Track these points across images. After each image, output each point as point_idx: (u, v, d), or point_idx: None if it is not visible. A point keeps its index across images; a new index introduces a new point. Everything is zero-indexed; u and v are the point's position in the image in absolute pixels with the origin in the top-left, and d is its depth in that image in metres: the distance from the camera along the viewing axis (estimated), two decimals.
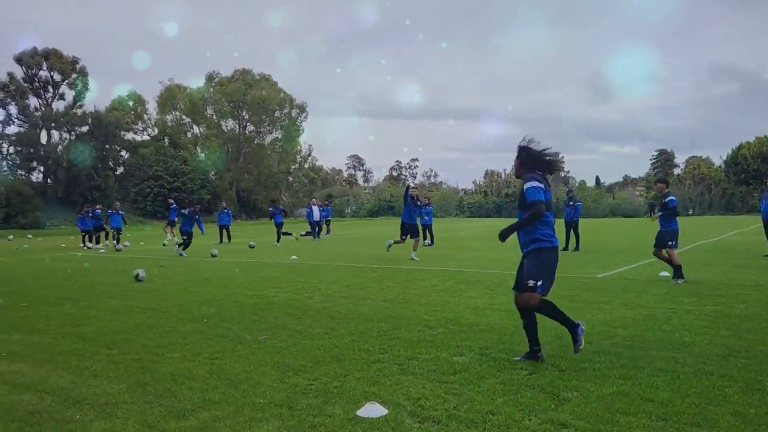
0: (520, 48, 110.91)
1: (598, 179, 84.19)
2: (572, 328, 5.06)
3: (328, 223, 28.74)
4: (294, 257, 15.97)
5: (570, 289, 9.08)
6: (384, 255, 16.16)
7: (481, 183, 74.00)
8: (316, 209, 25.91)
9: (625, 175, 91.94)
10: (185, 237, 18.22)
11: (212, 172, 58.63)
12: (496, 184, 70.49)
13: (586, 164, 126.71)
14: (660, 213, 10.09)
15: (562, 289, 8.96)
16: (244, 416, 3.98)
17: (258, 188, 61.37)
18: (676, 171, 78.35)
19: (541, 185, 5.07)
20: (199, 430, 3.77)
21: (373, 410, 3.96)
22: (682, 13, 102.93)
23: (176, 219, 23.17)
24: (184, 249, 17.93)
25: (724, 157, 63.79)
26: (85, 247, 22.50)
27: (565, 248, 16.35)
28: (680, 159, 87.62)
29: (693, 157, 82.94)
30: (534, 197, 5.00)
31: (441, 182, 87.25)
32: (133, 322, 7.34)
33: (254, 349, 5.79)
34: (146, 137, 60.47)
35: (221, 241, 23.72)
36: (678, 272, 9.76)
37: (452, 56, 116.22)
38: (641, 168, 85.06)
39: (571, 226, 16.91)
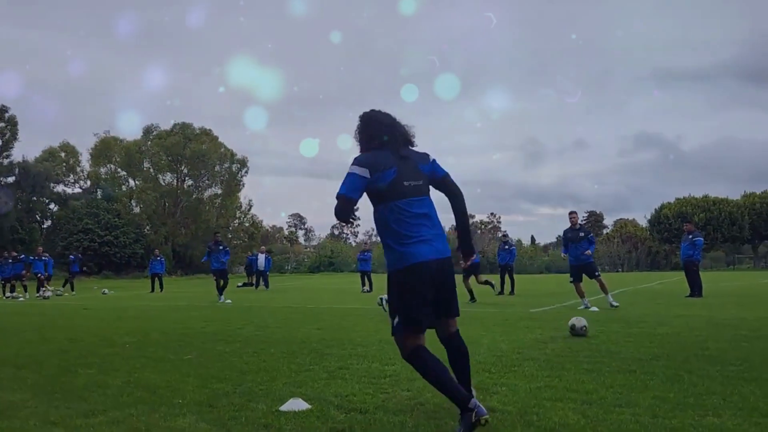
0: (462, 113, 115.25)
1: (533, 238, 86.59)
2: (462, 401, 3.16)
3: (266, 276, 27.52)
4: (229, 301, 15.49)
5: (505, 319, 9.18)
6: (322, 297, 15.91)
7: None
8: (261, 257, 25.01)
9: (558, 235, 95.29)
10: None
11: (147, 227, 56.93)
12: None
13: (522, 225, 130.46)
14: (566, 251, 11.91)
15: (498, 320, 9.06)
16: (160, 413, 3.75)
17: (195, 243, 59.70)
18: (605, 231, 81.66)
19: (364, 168, 3.32)
20: (109, 424, 3.52)
21: (297, 404, 3.81)
22: (609, 86, 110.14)
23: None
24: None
25: (648, 217, 67.13)
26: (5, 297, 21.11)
27: (500, 292, 16.57)
28: (609, 220, 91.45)
29: (620, 219, 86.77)
30: (340, 191, 3.36)
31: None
32: (47, 348, 6.87)
33: (177, 365, 5.52)
34: (78, 190, 58.45)
35: (153, 290, 22.79)
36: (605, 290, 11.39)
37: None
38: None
39: (507, 269, 17.21)
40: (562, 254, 13.00)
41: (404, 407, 3.78)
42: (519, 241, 79.37)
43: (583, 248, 11.39)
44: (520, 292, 17.81)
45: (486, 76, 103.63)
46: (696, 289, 14.22)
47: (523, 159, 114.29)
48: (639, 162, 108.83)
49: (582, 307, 10.98)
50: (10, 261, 21.82)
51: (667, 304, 12.17)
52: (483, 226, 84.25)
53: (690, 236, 14.83)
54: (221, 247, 16.06)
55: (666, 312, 10.25)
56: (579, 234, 11.51)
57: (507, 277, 17.10)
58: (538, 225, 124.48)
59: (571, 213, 11.97)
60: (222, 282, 15.60)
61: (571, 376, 4.63)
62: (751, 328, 7.42)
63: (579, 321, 6.98)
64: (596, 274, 11.45)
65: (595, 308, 10.85)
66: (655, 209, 65.04)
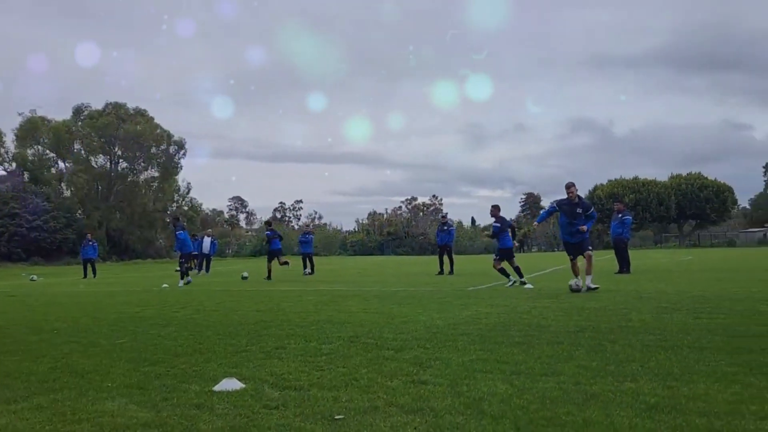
0: (408, 96, 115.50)
1: (473, 220, 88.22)
2: None
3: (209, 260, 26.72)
4: (165, 285, 15.13)
5: (442, 298, 9.36)
6: (261, 281, 15.76)
7: (364, 223, 74.95)
8: (207, 241, 24.37)
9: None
10: None
11: (79, 211, 54.68)
12: (378, 223, 71.71)
13: (463, 207, 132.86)
14: (487, 234, 12.80)
15: (435, 299, 9.23)
16: (89, 397, 3.66)
17: (131, 228, 57.85)
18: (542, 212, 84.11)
19: None
20: (33, 410, 3.41)
21: (230, 384, 3.79)
22: (549, 72, 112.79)
23: None
24: None
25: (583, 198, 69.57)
26: None
27: (440, 272, 16.86)
28: (545, 201, 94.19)
29: (557, 200, 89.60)
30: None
31: (325, 224, 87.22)
32: None
33: (108, 350, 5.38)
34: (2, 172, 55.38)
35: (85, 276, 21.97)
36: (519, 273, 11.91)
37: (341, 102, 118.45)
38: (512, 210, 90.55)
39: (446, 250, 17.51)
40: (535, 224, 13.41)
41: (339, 383, 3.82)
42: (459, 222, 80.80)
43: (579, 224, 9.93)
44: (459, 271, 18.16)
45: (431, 61, 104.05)
46: (624, 265, 14.88)
47: (465, 142, 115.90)
48: (575, 145, 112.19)
49: (573, 283, 10.12)
50: None
51: (597, 281, 12.66)
52: (425, 208, 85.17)
53: (620, 215, 15.47)
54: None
55: None
56: (576, 210, 9.91)
57: (446, 257, 17.38)
58: (477, 207, 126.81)
59: (568, 185, 10.24)
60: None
61: (502, 349, 4.79)
62: (671, 301, 7.84)
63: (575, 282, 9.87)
64: (588, 249, 10.09)
65: (529, 285, 11.21)
66: (589, 191, 67.35)
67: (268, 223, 22.15)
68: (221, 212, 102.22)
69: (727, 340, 4.85)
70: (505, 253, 12.11)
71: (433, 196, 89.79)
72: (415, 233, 65.49)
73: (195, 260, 23.69)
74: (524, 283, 11.54)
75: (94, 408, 3.41)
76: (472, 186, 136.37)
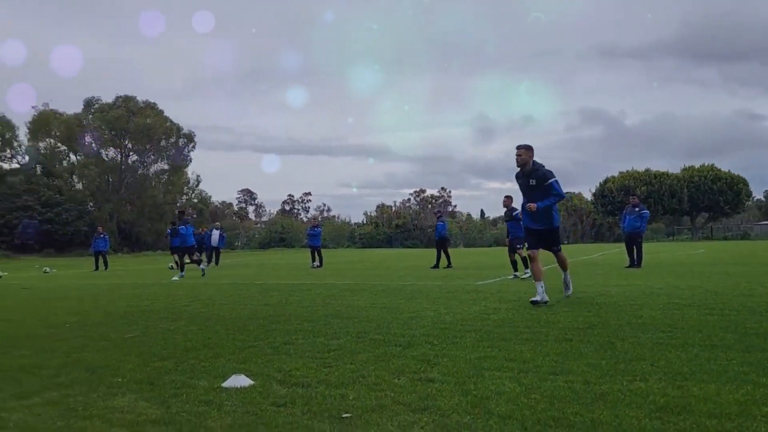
0: (415, 89, 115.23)
1: (482, 212, 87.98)
2: None
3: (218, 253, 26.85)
4: (176, 278, 15.23)
5: (450, 292, 9.35)
6: (269, 274, 15.82)
7: (373, 215, 74.97)
8: (216, 234, 24.46)
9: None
10: None
11: (90, 203, 55.06)
12: (386, 216, 71.71)
13: (472, 199, 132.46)
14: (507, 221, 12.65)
15: (443, 294, 9.22)
16: (99, 393, 3.69)
17: (141, 220, 58.23)
18: None
19: None
20: (44, 405, 3.44)
21: (239, 381, 3.81)
22: (557, 63, 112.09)
23: None
24: None
25: (593, 191, 69.07)
26: None
27: (435, 266, 16.81)
28: None
29: (566, 192, 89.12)
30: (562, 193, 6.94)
31: (334, 216, 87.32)
32: None
33: (119, 344, 5.42)
34: (15, 165, 55.80)
35: (97, 269, 22.15)
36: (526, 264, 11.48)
37: (349, 95, 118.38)
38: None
39: (440, 244, 17.60)
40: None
41: (346, 380, 3.82)
42: (468, 214, 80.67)
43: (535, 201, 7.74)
44: (468, 265, 18.15)
45: (438, 53, 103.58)
46: (637, 259, 14.79)
47: (473, 134, 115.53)
48: (584, 137, 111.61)
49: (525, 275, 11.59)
50: None
51: (607, 275, 12.61)
52: (433, 201, 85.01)
53: (636, 209, 15.34)
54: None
55: (605, 282, 10.62)
56: (529, 182, 7.47)
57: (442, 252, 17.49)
58: (487, 199, 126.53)
59: (517, 148, 7.53)
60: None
61: (511, 346, 4.77)
62: (682, 297, 7.78)
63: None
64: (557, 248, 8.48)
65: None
66: (600, 183, 66.93)
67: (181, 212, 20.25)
68: (230, 204, 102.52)
69: (738, 338, 4.81)
70: (518, 242, 12.24)
71: (442, 188, 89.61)
72: (424, 226, 65.37)
73: (196, 254, 23.95)
74: (517, 277, 11.88)
75: (104, 404, 3.43)
76: (482, 178, 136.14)
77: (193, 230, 18.88)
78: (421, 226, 64.95)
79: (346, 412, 3.16)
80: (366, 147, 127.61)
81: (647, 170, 64.99)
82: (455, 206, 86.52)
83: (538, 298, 7.17)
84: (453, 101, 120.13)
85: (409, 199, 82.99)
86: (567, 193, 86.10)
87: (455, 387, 3.59)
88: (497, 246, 59.83)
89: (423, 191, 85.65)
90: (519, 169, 7.53)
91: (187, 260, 16.55)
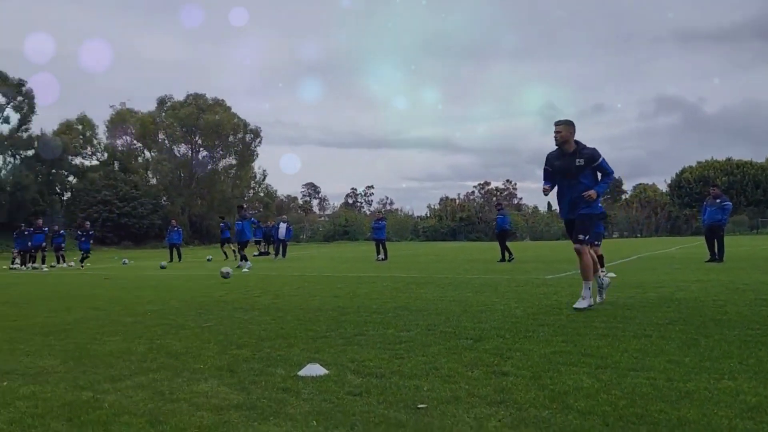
0: (481, 79, 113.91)
1: (549, 205, 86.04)
2: None
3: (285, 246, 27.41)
4: (245, 270, 15.70)
5: (519, 286, 9.21)
6: (336, 266, 16.05)
7: (436, 208, 74.71)
8: (283, 226, 25.06)
9: None
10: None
11: (164, 197, 57.46)
12: (450, 209, 71.31)
13: (538, 192, 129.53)
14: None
15: (512, 287, 9.10)
16: (183, 378, 3.86)
17: (211, 213, 60.28)
18: (624, 196, 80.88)
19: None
20: (134, 388, 3.63)
21: (314, 370, 3.89)
22: (630, 49, 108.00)
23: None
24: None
25: (669, 182, 66.34)
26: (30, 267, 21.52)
27: (502, 260, 16.60)
28: (628, 185, 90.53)
29: (640, 183, 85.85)
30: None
31: (397, 209, 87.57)
32: (72, 318, 7.04)
33: (197, 332, 5.64)
34: (95, 162, 58.93)
35: (171, 260, 23.12)
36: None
37: (411, 87, 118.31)
38: None
39: (503, 236, 17.40)
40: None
41: (419, 372, 3.84)
42: (535, 207, 79.06)
43: (583, 187, 6.69)
44: (536, 258, 17.84)
45: (503, 41, 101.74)
46: (719, 253, 14.10)
47: (540, 124, 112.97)
48: (659, 125, 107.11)
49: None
50: (33, 231, 22.12)
51: (686, 270, 12.10)
52: (498, 193, 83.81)
53: (718, 200, 14.62)
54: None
55: (684, 277, 10.20)
56: (575, 162, 6.50)
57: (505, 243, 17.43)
58: (554, 191, 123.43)
59: (556, 124, 6.64)
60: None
61: (586, 341, 4.66)
62: None
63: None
64: (596, 242, 9.53)
65: (612, 274, 10.82)
66: (676, 173, 64.27)
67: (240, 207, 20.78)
68: (295, 198, 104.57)
69: None
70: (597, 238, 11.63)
71: (507, 180, 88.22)
72: (489, 219, 64.55)
73: (262, 245, 24.83)
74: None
75: (189, 388, 3.58)
76: None
77: (259, 223, 19.95)
78: (485, 219, 64.16)
79: (421, 403, 3.17)
80: (429, 139, 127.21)
81: (728, 159, 61.83)
82: (521, 198, 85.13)
83: (584, 304, 6.32)
84: (520, 90, 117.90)
85: (473, 192, 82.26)
86: (639, 184, 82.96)
87: (531, 381, 3.54)
88: (565, 239, 58.47)
89: (487, 183, 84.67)
90: (556, 149, 6.62)
91: (256, 252, 17.10)
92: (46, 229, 23.11)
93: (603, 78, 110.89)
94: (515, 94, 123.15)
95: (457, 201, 74.14)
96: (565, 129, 6.51)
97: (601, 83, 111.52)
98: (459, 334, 5.12)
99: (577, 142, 6.57)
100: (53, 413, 3.18)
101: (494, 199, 77.82)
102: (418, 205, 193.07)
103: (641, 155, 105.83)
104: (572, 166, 6.50)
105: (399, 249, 32.95)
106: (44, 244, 22.44)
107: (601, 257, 11.50)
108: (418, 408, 3.10)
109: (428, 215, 73.49)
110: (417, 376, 3.73)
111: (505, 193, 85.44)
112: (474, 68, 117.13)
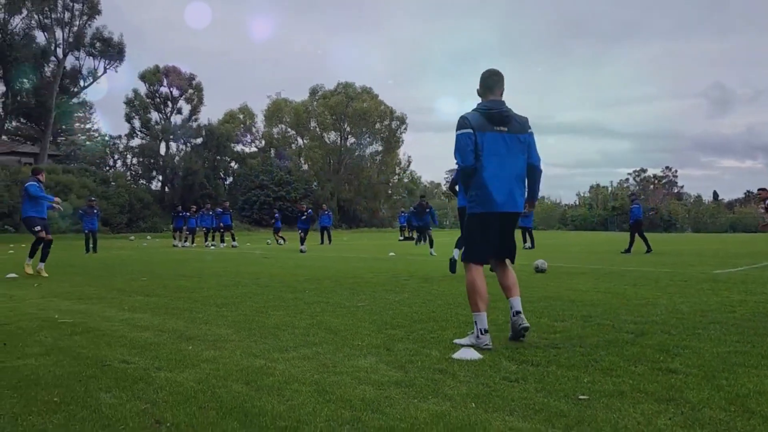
0: (635, 58, 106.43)
1: (715, 194, 78.58)
2: None
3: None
4: (392, 253, 16.14)
5: (682, 280, 8.56)
6: None
7: (586, 196, 71.27)
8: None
9: (747, 191, 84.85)
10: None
11: (315, 183, 60.59)
12: (601, 197, 67.69)
13: (701, 179, 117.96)
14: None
15: (674, 281, 8.48)
16: (344, 353, 4.08)
17: (358, 198, 62.63)
18: None
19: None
20: (300, 359, 3.91)
21: (469, 353, 3.92)
22: None
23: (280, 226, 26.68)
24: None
25: None
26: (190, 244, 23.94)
27: (648, 250, 15.48)
28: None
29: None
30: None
31: (542, 197, 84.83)
32: (240, 291, 7.71)
33: (353, 311, 5.92)
34: (254, 149, 63.55)
35: (322, 242, 24.40)
36: None
37: (558, 70, 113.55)
38: (765, 183, 78.11)
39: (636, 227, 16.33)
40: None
41: (577, 363, 3.73)
42: (698, 196, 72.70)
43: None
44: (701, 252, 16.42)
45: (661, 14, 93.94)
46: None
47: (705, 107, 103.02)
48: None
49: None
50: (210, 213, 24.69)
51: None
52: (656, 181, 77.97)
53: None
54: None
55: None
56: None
57: (636, 235, 16.44)
58: (720, 179, 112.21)
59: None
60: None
61: (766, 341, 4.23)
62: None
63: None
64: None
65: None
66: None
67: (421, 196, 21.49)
68: (438, 184, 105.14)
69: None
70: None
71: (666, 167, 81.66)
72: (646, 208, 60.56)
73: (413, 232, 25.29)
74: None
75: (350, 363, 3.79)
76: (714, 156, 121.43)
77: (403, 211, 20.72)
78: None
79: (582, 394, 3.08)
80: (577, 124, 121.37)
81: None
82: (681, 187, 78.41)
83: None
84: (682, 70, 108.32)
85: (627, 179, 77.21)
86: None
87: (703, 380, 3.29)
88: (734, 232, 53.05)
89: (644, 171, 78.99)
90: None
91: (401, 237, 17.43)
92: (228, 211, 25.37)
93: None
94: (677, 74, 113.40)
95: (610, 189, 70.15)
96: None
97: None
98: (618, 327, 4.88)
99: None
100: (233, 376, 3.53)
101: (652, 187, 72.58)
102: (566, 193, 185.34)
103: None
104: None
105: (546, 238, 31.98)
106: (231, 224, 24.90)
107: None
108: (580, 399, 3.02)
109: (577, 204, 70.44)
110: (575, 367, 3.63)
111: (664, 180, 79.19)
112: (629, 46, 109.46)
